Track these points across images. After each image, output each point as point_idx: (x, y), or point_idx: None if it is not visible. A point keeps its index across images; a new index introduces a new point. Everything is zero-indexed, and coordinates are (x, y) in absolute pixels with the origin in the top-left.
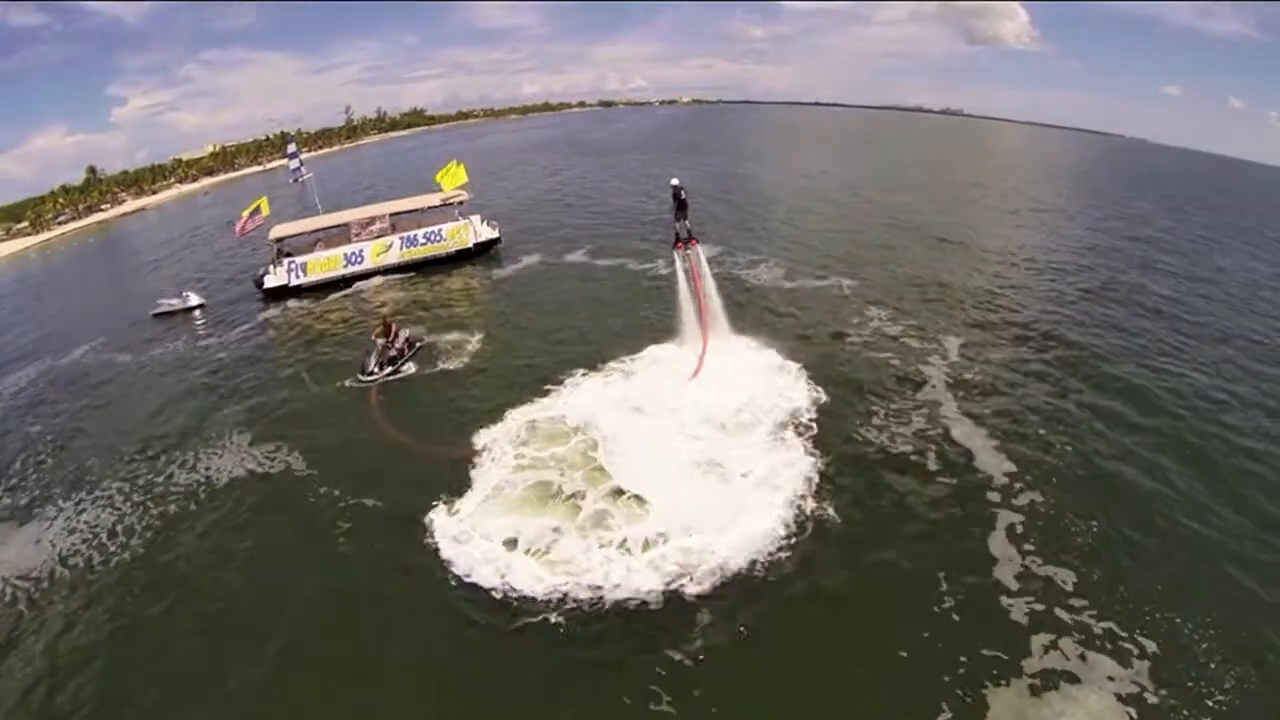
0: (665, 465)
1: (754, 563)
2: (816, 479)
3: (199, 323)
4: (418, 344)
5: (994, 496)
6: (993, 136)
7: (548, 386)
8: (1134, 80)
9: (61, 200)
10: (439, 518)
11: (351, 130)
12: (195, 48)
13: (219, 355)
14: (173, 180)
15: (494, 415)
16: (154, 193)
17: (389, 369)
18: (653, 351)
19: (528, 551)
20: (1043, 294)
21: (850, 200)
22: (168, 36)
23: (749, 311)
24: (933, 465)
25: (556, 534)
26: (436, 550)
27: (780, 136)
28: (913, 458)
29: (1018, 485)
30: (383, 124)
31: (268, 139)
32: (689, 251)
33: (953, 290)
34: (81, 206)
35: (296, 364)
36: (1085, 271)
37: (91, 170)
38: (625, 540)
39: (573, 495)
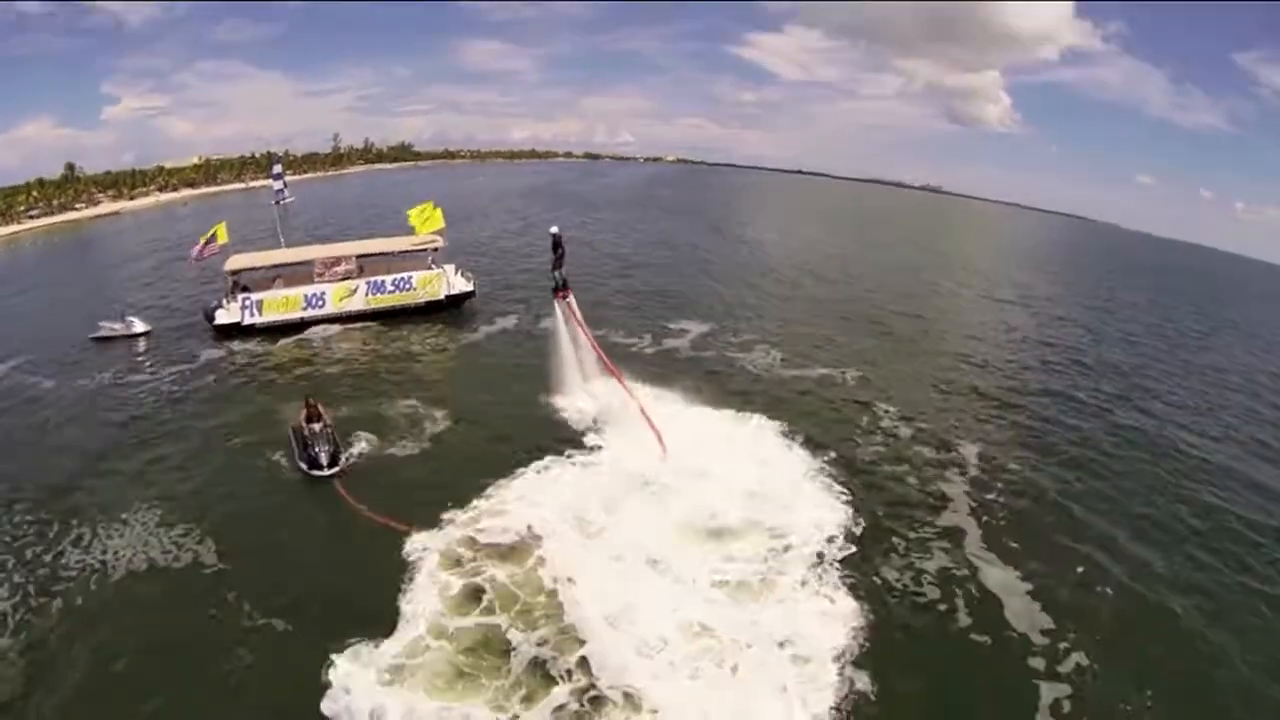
0: (660, 621)
1: None
2: (853, 646)
3: (139, 353)
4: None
5: (1035, 664)
6: (973, 215)
7: (504, 479)
8: (1110, 167)
9: (35, 194)
10: (344, 670)
11: (338, 158)
12: (194, 56)
13: (150, 400)
14: (153, 187)
15: (438, 513)
16: (132, 198)
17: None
18: (616, 430)
19: None
20: (1056, 393)
21: (841, 278)
22: (168, 41)
23: (753, 401)
24: (964, 620)
25: None
26: None
27: (766, 203)
28: (941, 607)
29: (1060, 646)
30: (369, 155)
31: (253, 157)
32: (567, 300)
33: (960, 385)
34: (55, 203)
35: (233, 422)
36: (1091, 372)
37: (69, 167)
38: None
39: (531, 666)
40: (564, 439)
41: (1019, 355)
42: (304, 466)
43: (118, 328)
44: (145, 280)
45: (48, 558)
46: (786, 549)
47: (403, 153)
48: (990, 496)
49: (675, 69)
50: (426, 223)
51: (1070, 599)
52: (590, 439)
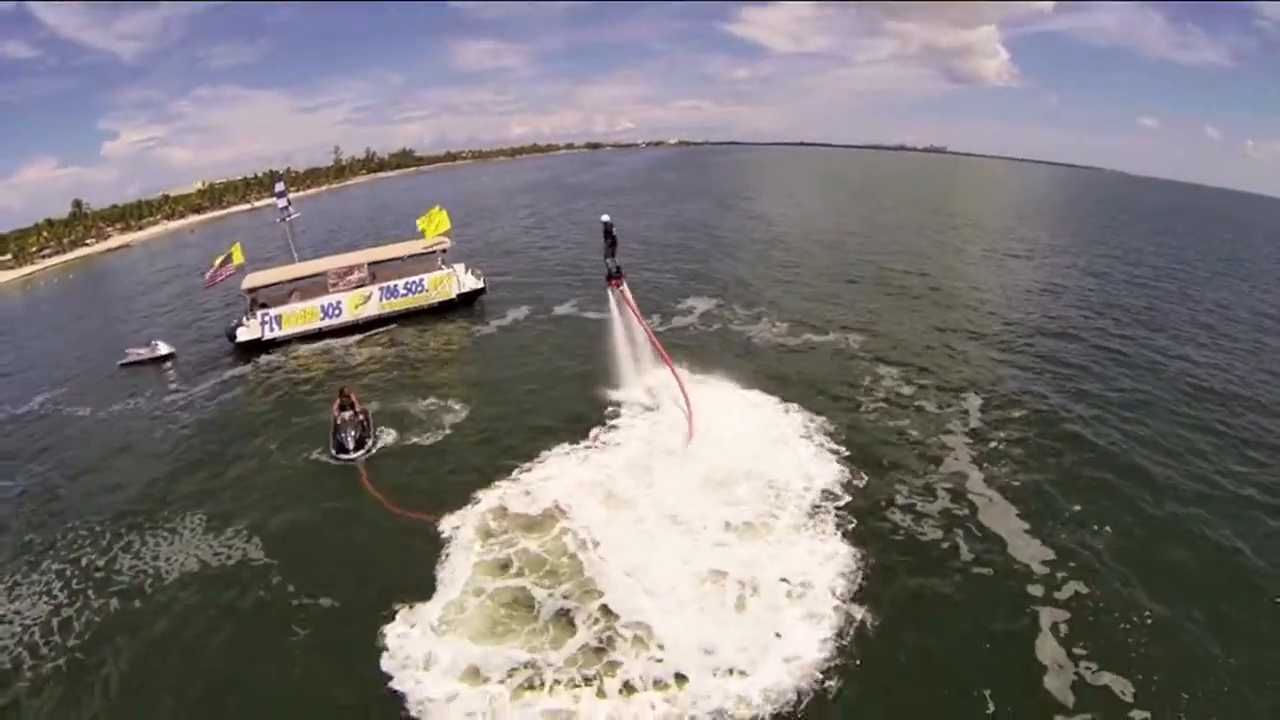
0: (672, 570)
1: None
2: (852, 582)
3: (167, 375)
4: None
5: (1035, 590)
6: (978, 173)
7: (529, 462)
8: (1112, 113)
9: (45, 234)
10: (395, 633)
11: (340, 170)
12: (189, 84)
13: (182, 416)
14: (160, 216)
15: (467, 495)
16: (140, 229)
17: (370, 444)
18: (645, 413)
19: (496, 697)
20: (1057, 346)
21: (844, 244)
22: (162, 72)
23: (755, 370)
24: (966, 555)
25: (534, 671)
26: (388, 681)
27: (768, 177)
28: (944, 546)
29: (1059, 575)
30: (371, 164)
31: (256, 177)
32: (622, 289)
33: (962, 342)
34: (66, 240)
35: (264, 430)
36: (1094, 321)
37: (77, 204)
38: (630, 683)
39: (557, 615)
40: (587, 423)
41: (1023, 305)
42: (333, 452)
43: (143, 352)
44: (164, 307)
45: (101, 562)
46: (785, 496)
47: (404, 159)
48: (992, 445)
49: (668, 52)
50: (435, 226)
51: (1069, 537)
52: (615, 421)
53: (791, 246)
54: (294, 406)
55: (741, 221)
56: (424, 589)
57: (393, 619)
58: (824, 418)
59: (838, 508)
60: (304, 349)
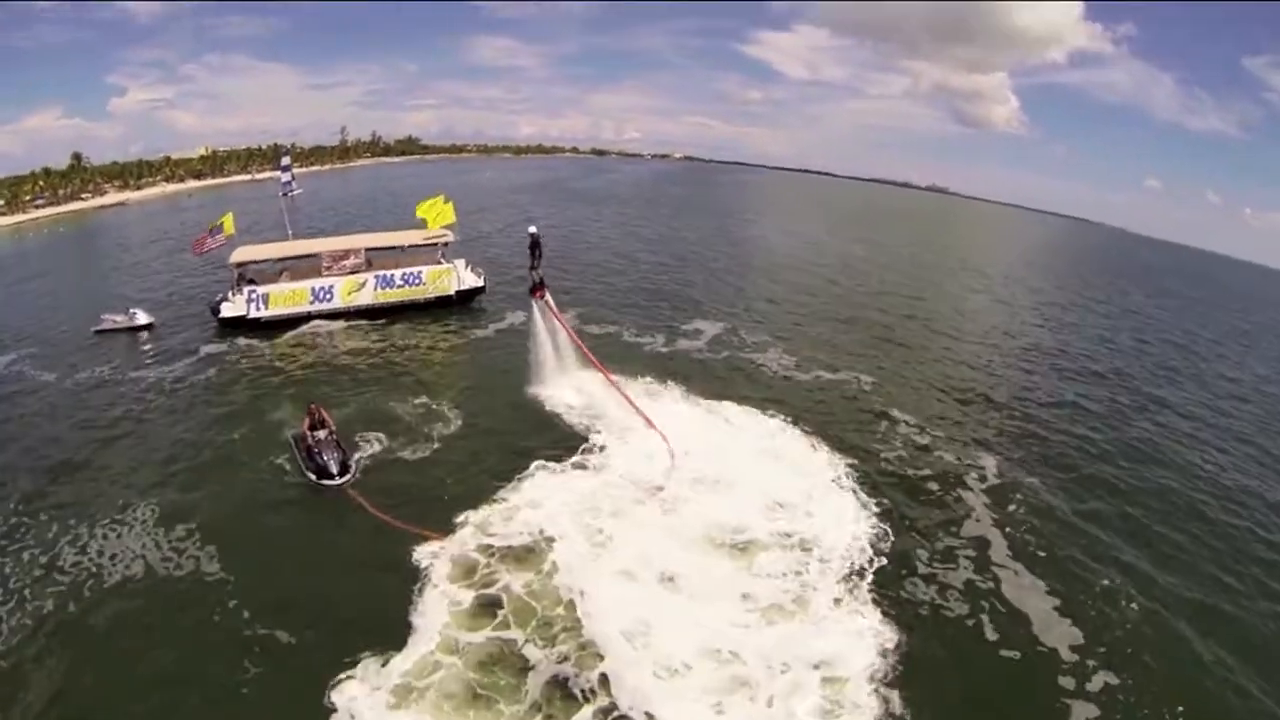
0: (680, 640)
1: None
2: (888, 672)
3: (142, 347)
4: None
5: (1066, 683)
6: (981, 217)
7: (513, 481)
8: (1117, 170)
9: (41, 183)
10: (349, 694)
11: (345, 151)
12: (200, 49)
13: (151, 396)
14: (159, 178)
15: (449, 516)
16: (138, 188)
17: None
18: (625, 434)
19: None
20: (1070, 404)
21: (851, 280)
22: (174, 34)
23: (768, 404)
24: (991, 635)
25: None
26: None
27: (774, 202)
28: (969, 623)
29: (1089, 663)
30: (376, 148)
31: (260, 149)
32: (545, 299)
33: (975, 393)
34: (62, 192)
35: (235, 422)
36: (1105, 382)
37: (76, 156)
38: None
39: (552, 684)
40: (573, 440)
41: (1032, 363)
42: (312, 476)
43: (120, 320)
44: (150, 271)
45: (44, 558)
46: (817, 563)
47: (409, 146)
48: (1011, 509)
49: (682, 66)
50: (437, 217)
51: (1095, 617)
52: (599, 439)
53: (798, 277)
54: (271, 399)
55: (748, 245)
56: (394, 634)
57: (353, 667)
58: (845, 463)
59: (867, 577)
60: (289, 332)
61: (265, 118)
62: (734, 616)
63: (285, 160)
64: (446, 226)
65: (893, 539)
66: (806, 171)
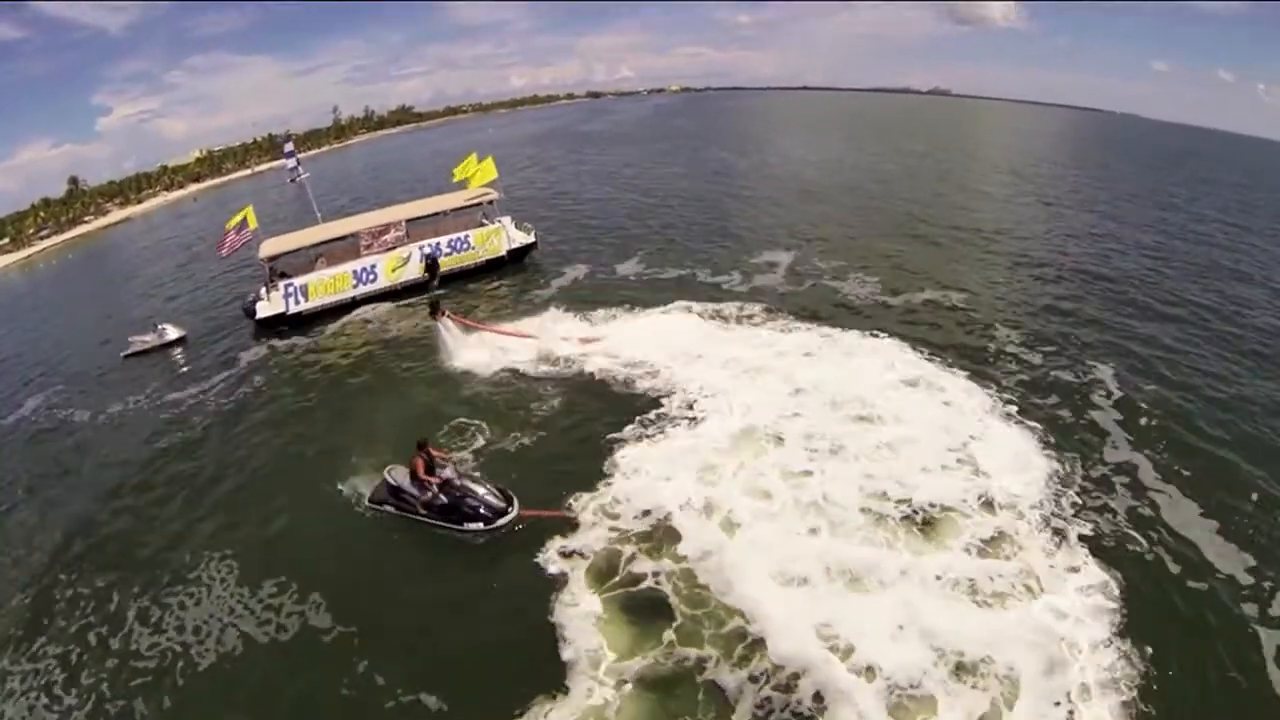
0: (886, 636)
1: None
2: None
3: (177, 364)
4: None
5: (1249, 609)
6: (989, 116)
7: (622, 451)
8: (1123, 56)
9: (42, 214)
10: None
11: (340, 130)
12: (179, 54)
13: (196, 420)
14: (159, 188)
15: (571, 500)
16: (139, 202)
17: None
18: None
19: None
20: (1160, 300)
21: (891, 193)
22: (151, 44)
23: (879, 331)
24: (1173, 568)
25: None
26: None
27: (782, 121)
28: (1148, 558)
29: (1265, 585)
30: (371, 123)
31: (255, 142)
32: (447, 316)
33: (1062, 299)
34: (64, 219)
35: (297, 438)
36: (1184, 274)
37: (73, 181)
38: None
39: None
40: (649, 400)
41: (1102, 264)
42: (453, 526)
43: (149, 339)
44: (169, 281)
45: (115, 643)
46: (1016, 520)
47: (404, 116)
48: (1143, 423)
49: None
50: (478, 175)
51: (1257, 534)
52: (678, 398)
53: (839, 196)
54: (337, 403)
55: (775, 170)
56: (550, 675)
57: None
58: (981, 390)
59: (1069, 529)
60: (333, 323)
61: (255, 111)
62: (943, 604)
63: (289, 146)
64: (489, 184)
65: (1061, 473)
66: (806, 89)
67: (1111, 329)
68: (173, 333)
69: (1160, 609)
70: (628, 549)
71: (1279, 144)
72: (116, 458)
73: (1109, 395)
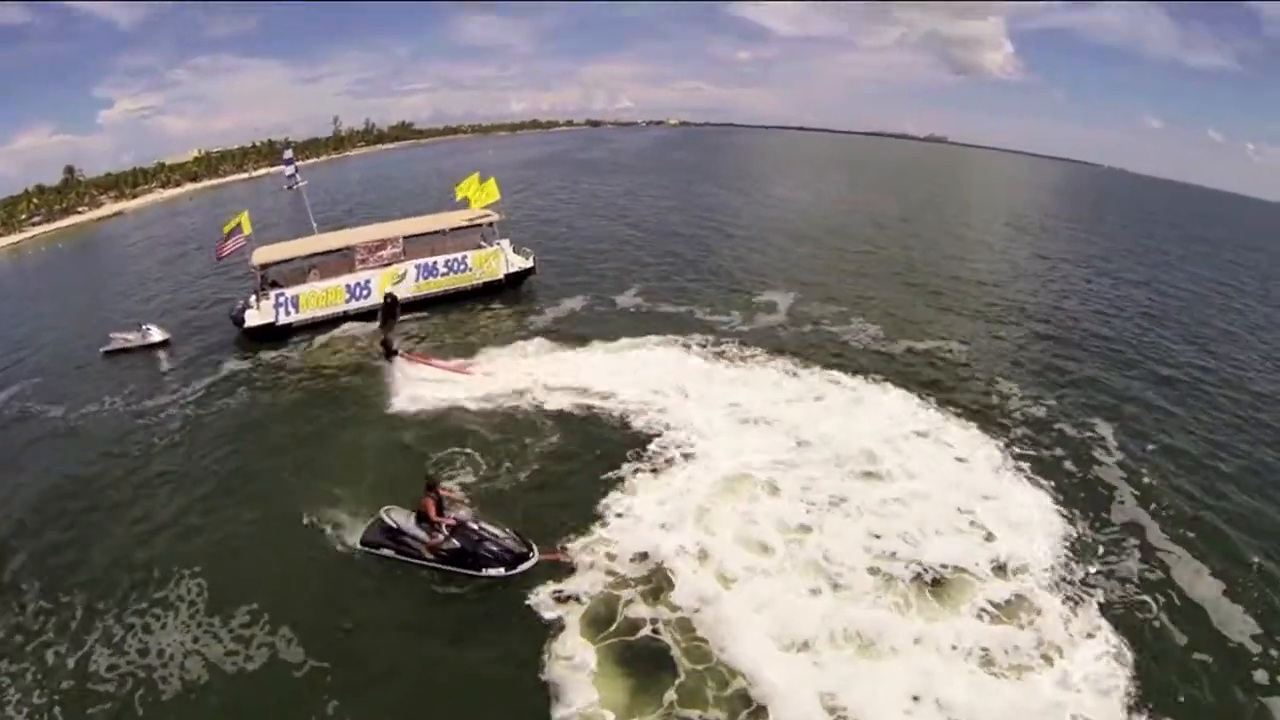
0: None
1: None
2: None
3: (158, 366)
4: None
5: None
6: (985, 165)
7: (611, 491)
8: (1116, 111)
9: (35, 201)
10: None
11: (339, 141)
12: (186, 53)
13: (174, 428)
14: (154, 184)
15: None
16: (134, 196)
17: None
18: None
19: None
20: (1163, 359)
21: (891, 239)
22: (159, 40)
23: (880, 379)
24: (1180, 639)
25: None
26: None
27: (780, 160)
28: (1155, 624)
29: (1273, 653)
30: (370, 136)
31: (254, 146)
32: (399, 357)
33: (1065, 359)
34: (57, 208)
35: (278, 456)
36: (1181, 331)
37: (69, 171)
38: None
39: None
40: (646, 435)
41: (1104, 319)
42: (468, 571)
43: (131, 338)
44: (157, 280)
45: (71, 663)
46: (1030, 583)
47: (404, 131)
48: (1145, 480)
49: (671, 32)
50: (480, 195)
51: (1259, 599)
52: (675, 435)
53: (840, 239)
54: (319, 425)
55: (776, 209)
56: None
57: None
58: (989, 443)
59: (1090, 595)
60: (320, 337)
61: (256, 115)
62: (958, 675)
63: (288, 154)
64: (490, 205)
65: (1072, 534)
66: (803, 129)
67: (1109, 388)
68: (156, 334)
69: (1172, 677)
70: (624, 594)
71: (1267, 203)
72: (86, 462)
73: (1110, 454)
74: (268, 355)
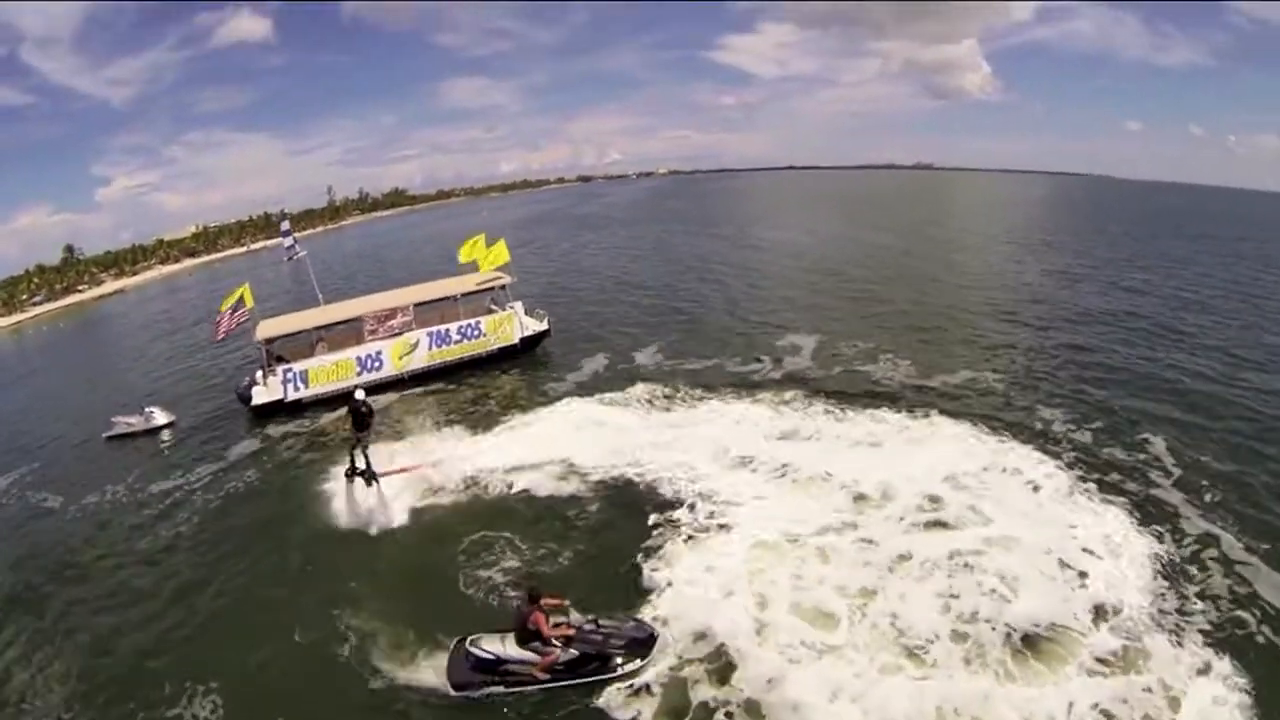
0: None
1: None
2: None
3: (162, 450)
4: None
5: None
6: (974, 187)
7: (656, 560)
8: (1097, 119)
9: (36, 280)
10: None
11: (335, 211)
12: (180, 129)
13: (179, 514)
14: (154, 261)
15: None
16: (134, 273)
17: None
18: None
19: None
20: (1189, 368)
21: (897, 270)
22: (153, 118)
23: (929, 416)
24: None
25: None
26: None
27: (774, 201)
28: (1259, 639)
29: None
30: (365, 204)
31: (251, 219)
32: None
33: (1093, 374)
34: (58, 287)
35: (300, 548)
36: (1204, 339)
37: (69, 249)
38: None
39: None
40: (676, 499)
41: (1127, 332)
42: (604, 676)
43: (135, 422)
44: (159, 359)
45: None
46: (1135, 630)
47: (398, 198)
48: (1208, 497)
49: (654, 82)
50: (490, 257)
51: None
52: (699, 495)
53: (849, 276)
54: (337, 519)
55: (779, 251)
56: None
57: None
58: (1058, 471)
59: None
60: (330, 414)
61: (251, 188)
62: None
63: (285, 225)
64: (500, 268)
65: (1158, 556)
66: (792, 168)
67: (1150, 402)
68: (160, 417)
69: None
70: (693, 680)
71: (1253, 193)
72: (84, 556)
73: (1165, 469)
74: (277, 433)
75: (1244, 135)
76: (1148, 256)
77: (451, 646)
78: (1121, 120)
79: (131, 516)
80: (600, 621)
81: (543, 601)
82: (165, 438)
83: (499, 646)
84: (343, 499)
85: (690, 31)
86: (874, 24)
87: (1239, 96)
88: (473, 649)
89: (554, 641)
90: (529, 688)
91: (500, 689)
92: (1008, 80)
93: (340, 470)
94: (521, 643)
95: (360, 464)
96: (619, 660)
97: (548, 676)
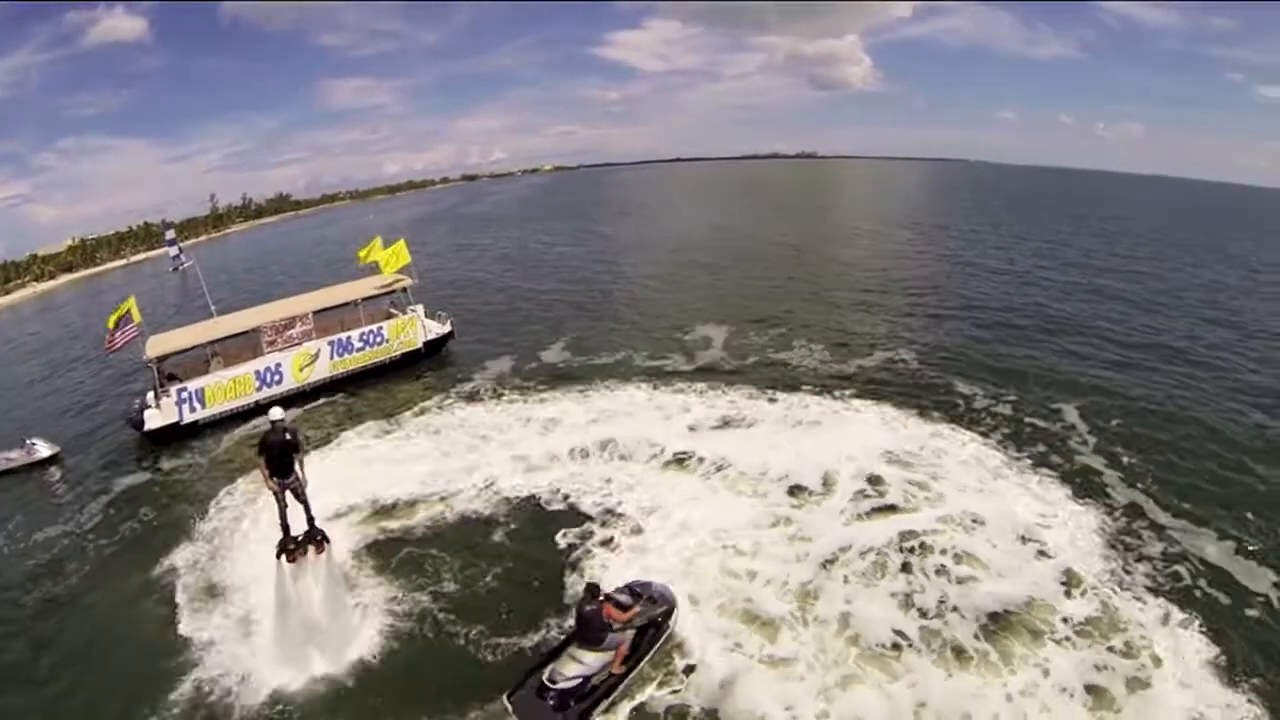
0: None
1: None
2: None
3: (48, 487)
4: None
5: None
6: (861, 174)
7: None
8: (975, 109)
9: None
10: None
11: (218, 218)
12: (51, 136)
13: (69, 565)
14: (28, 278)
15: None
16: (7, 292)
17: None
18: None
19: None
20: (1101, 334)
21: (794, 255)
22: (21, 124)
23: (857, 397)
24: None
25: None
26: None
27: (665, 192)
28: (1197, 594)
29: None
30: (249, 211)
31: (130, 230)
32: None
33: (1011, 347)
34: None
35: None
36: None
37: None
38: None
39: None
40: (622, 506)
41: (1025, 306)
42: (659, 643)
43: (15, 457)
44: (40, 380)
45: None
46: (1097, 596)
47: (282, 204)
48: (1125, 459)
49: (538, 79)
50: (391, 259)
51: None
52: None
53: (747, 263)
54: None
55: (674, 241)
56: None
57: None
58: (989, 450)
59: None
60: (229, 434)
61: (128, 197)
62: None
63: (170, 234)
64: (402, 269)
65: (1102, 526)
66: (678, 160)
67: (1058, 371)
68: (43, 449)
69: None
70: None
71: (1121, 175)
72: None
73: (1082, 436)
74: (173, 462)
75: (1111, 123)
76: (1033, 237)
77: (509, 706)
78: (998, 109)
79: (15, 569)
80: (630, 589)
81: (599, 590)
82: (51, 472)
83: (574, 666)
84: (282, 603)
85: (575, 29)
86: (757, 20)
87: (1106, 87)
88: (551, 685)
89: (616, 626)
90: (616, 690)
91: (586, 703)
92: (890, 72)
93: (257, 526)
94: (587, 645)
95: (300, 520)
96: (659, 618)
97: (624, 668)
